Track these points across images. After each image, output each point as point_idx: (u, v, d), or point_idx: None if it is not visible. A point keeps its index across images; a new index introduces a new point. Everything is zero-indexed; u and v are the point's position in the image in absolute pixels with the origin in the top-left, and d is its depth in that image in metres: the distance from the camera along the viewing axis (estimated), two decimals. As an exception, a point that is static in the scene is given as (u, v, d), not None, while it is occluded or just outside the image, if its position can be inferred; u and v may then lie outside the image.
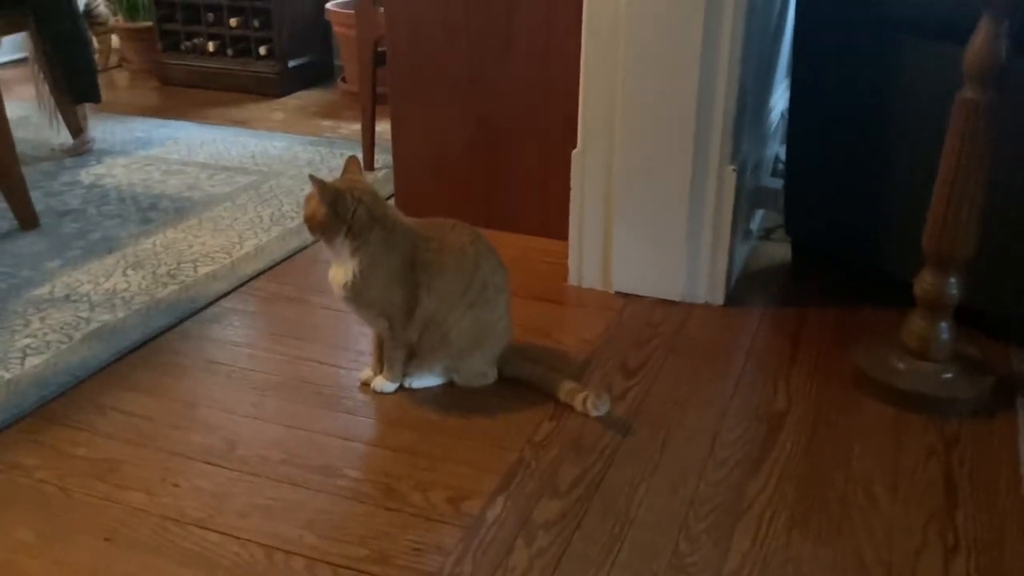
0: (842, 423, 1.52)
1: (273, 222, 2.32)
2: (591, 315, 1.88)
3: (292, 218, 2.35)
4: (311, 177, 1.48)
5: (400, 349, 1.58)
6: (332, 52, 3.82)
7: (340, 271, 1.52)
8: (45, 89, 2.81)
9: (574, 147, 1.92)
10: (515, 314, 1.68)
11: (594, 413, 1.51)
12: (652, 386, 1.62)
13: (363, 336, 1.78)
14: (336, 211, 1.47)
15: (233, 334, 1.80)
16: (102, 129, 3.06)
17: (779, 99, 2.37)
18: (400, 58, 2.26)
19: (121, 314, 1.85)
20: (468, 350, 1.58)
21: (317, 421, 1.52)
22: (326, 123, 3.24)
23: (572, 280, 2.01)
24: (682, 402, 1.58)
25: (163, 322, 1.83)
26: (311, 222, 1.50)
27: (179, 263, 2.09)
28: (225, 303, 1.93)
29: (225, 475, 1.38)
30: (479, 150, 2.25)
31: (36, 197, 2.38)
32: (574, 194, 1.95)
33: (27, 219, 2.28)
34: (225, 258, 2.11)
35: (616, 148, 1.86)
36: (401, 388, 1.61)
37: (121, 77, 3.91)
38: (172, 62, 3.70)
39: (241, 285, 2.00)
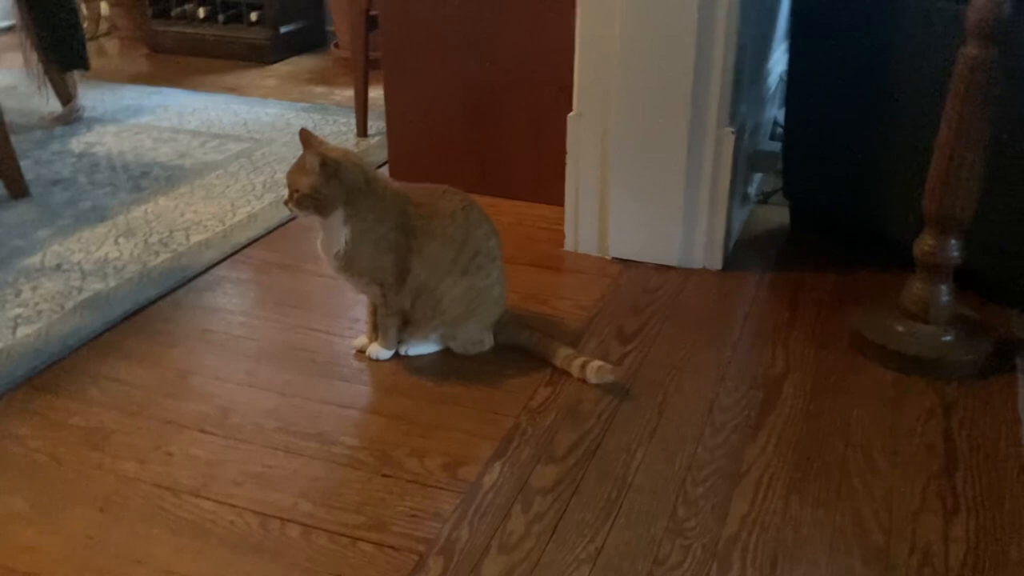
0: (841, 387, 1.51)
1: (266, 189, 2.30)
2: (587, 281, 1.87)
3: (285, 185, 2.32)
4: (309, 152, 1.44)
5: (394, 316, 1.56)
6: (324, 18, 3.77)
7: (331, 240, 1.50)
8: (33, 57, 2.76)
9: (570, 111, 1.90)
10: (511, 281, 1.67)
11: (594, 380, 1.50)
12: (649, 352, 1.61)
13: (357, 303, 1.77)
14: (338, 181, 1.44)
15: (226, 302, 1.78)
16: (92, 97, 3.02)
17: (778, 61, 2.33)
18: (392, 23, 2.22)
19: (113, 283, 1.83)
20: (462, 317, 1.56)
21: (312, 389, 1.51)
22: (319, 89, 3.20)
23: (568, 246, 1.99)
24: (679, 367, 1.57)
25: (155, 291, 1.81)
26: (308, 197, 1.44)
27: (171, 231, 2.06)
28: (218, 271, 1.91)
29: (219, 443, 1.37)
30: (473, 115, 2.22)
31: (26, 166, 2.34)
32: (570, 159, 1.93)
33: (16, 188, 2.26)
34: (218, 226, 2.09)
35: (612, 111, 1.83)
36: (397, 355, 1.60)
37: (110, 44, 3.86)
38: (162, 29, 3.65)
39: (234, 253, 1.97)
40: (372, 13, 2.53)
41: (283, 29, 3.56)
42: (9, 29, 3.71)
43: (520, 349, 1.60)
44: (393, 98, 2.30)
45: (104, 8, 3.95)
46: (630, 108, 1.81)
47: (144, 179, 2.37)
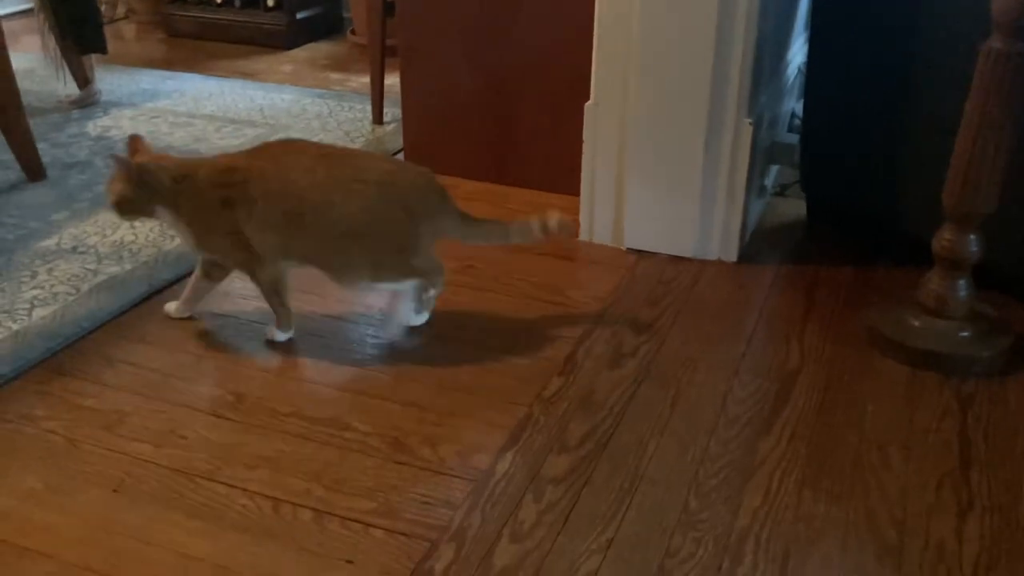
0: (856, 382, 1.51)
1: (281, 175, 2.30)
2: (602, 272, 1.86)
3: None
4: (114, 157, 1.50)
5: (274, 295, 1.58)
6: (341, 3, 3.76)
7: (183, 237, 1.58)
8: (51, 40, 2.77)
9: (587, 100, 1.89)
10: (525, 270, 1.66)
11: (555, 228, 1.54)
12: (663, 343, 1.61)
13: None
14: (146, 186, 1.50)
15: (240, 287, 1.78)
16: (109, 81, 3.03)
17: (797, 53, 2.32)
18: (409, 9, 2.21)
19: (128, 266, 1.84)
20: (359, 253, 1.51)
21: (326, 374, 1.51)
22: (335, 76, 3.20)
23: (583, 236, 1.99)
24: (693, 360, 1.56)
25: (170, 274, 1.81)
26: (123, 205, 1.52)
27: (187, 216, 2.07)
28: (233, 256, 1.91)
29: (233, 427, 1.38)
30: (489, 103, 2.21)
31: (43, 149, 2.35)
32: (586, 148, 1.92)
33: (34, 170, 2.26)
34: (233, 211, 2.09)
35: (630, 101, 1.82)
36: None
37: (128, 29, 3.86)
38: (179, 13, 3.65)
39: (249, 238, 1.98)
40: (389, 0, 2.53)
41: (300, 15, 3.55)
42: (27, 12, 3.72)
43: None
44: (409, 85, 2.29)
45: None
46: (648, 98, 1.80)
47: (160, 163, 2.37)
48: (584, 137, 1.91)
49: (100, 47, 2.76)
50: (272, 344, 1.59)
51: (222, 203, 1.50)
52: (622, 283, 1.81)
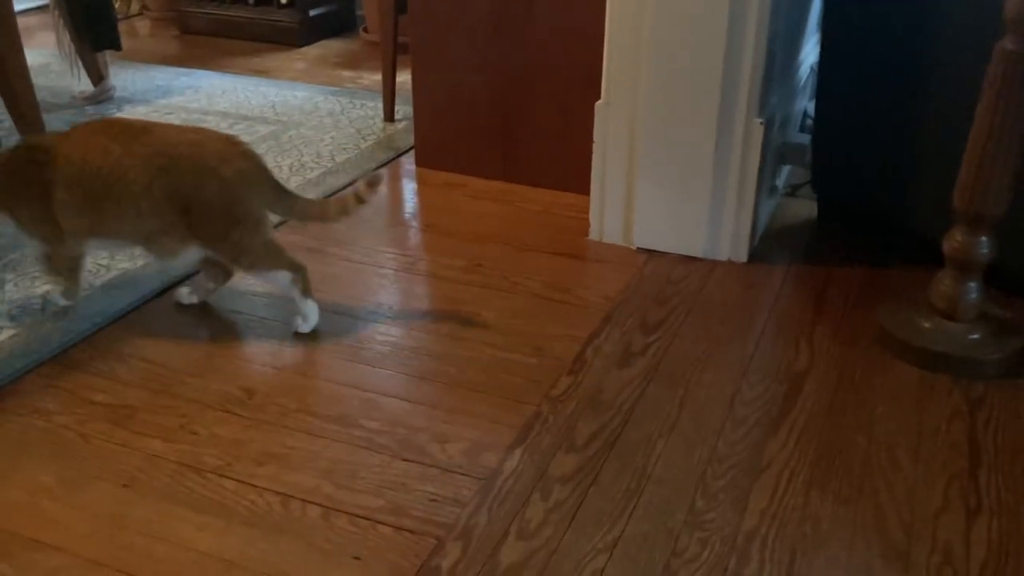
0: (865, 383, 1.50)
1: (292, 172, 2.31)
2: (612, 271, 1.86)
3: (311, 168, 2.33)
4: None
5: (67, 271, 1.63)
6: (354, 1, 3.77)
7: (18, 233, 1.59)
8: (66, 36, 2.79)
9: (597, 99, 1.89)
10: (534, 269, 1.66)
11: (363, 190, 1.57)
12: (672, 343, 1.61)
13: (381, 288, 1.78)
14: None
15: (252, 284, 1.79)
16: (123, 77, 3.04)
17: (809, 52, 2.31)
18: (421, 7, 2.22)
19: (140, 263, 1.85)
20: (178, 226, 1.53)
21: (336, 372, 1.52)
22: (347, 73, 3.21)
23: (593, 235, 1.99)
24: (702, 360, 1.56)
25: (182, 271, 1.82)
26: None
27: (198, 212, 2.08)
28: (244, 253, 1.92)
29: (243, 423, 1.39)
30: (500, 102, 2.22)
31: (57, 144, 2.37)
32: (597, 147, 1.92)
33: (48, 166, 2.28)
34: (244, 208, 2.10)
35: (640, 100, 1.82)
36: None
37: (142, 25, 3.88)
38: (193, 10, 3.66)
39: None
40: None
41: (313, 12, 3.56)
42: (43, 8, 3.74)
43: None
44: (420, 83, 2.30)
45: (134, -12, 3.97)
46: (658, 97, 1.80)
47: (173, 160, 2.38)
48: (595, 136, 1.91)
49: (114, 44, 2.78)
50: (280, 342, 1.60)
51: (33, 198, 1.52)
52: (631, 282, 1.81)
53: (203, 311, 1.70)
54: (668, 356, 1.57)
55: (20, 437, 1.35)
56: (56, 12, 2.76)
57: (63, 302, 1.65)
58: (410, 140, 2.45)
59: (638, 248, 1.93)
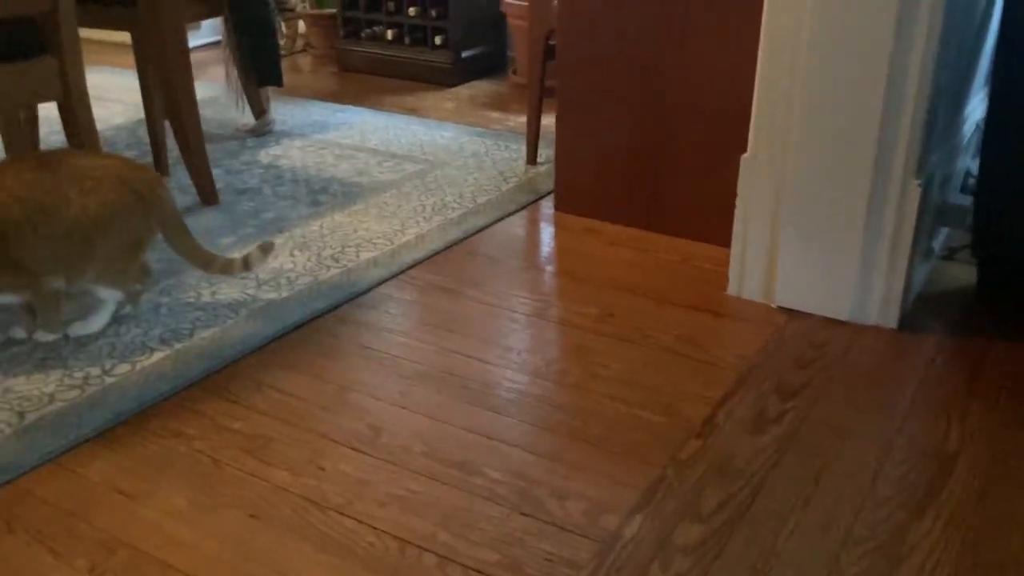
0: (1021, 471, 1.38)
1: (435, 211, 2.35)
2: (749, 329, 1.80)
3: (453, 208, 2.37)
4: None
5: (46, 301, 1.69)
6: (505, 43, 3.84)
7: None
8: (233, 72, 2.96)
9: (743, 150, 1.84)
10: (668, 322, 1.62)
11: (254, 257, 1.81)
12: (811, 411, 1.53)
13: (512, 332, 1.77)
14: None
15: (388, 321, 1.83)
16: (283, 111, 3.20)
17: (975, 109, 2.18)
18: (569, 51, 2.23)
19: (285, 293, 1.92)
20: (96, 248, 1.65)
21: (461, 416, 1.52)
22: (494, 114, 3.26)
23: (732, 290, 1.93)
24: (842, 431, 1.48)
25: (323, 304, 1.88)
26: None
27: (343, 247, 2.14)
28: (383, 289, 1.96)
29: (368, 462, 1.40)
30: (642, 148, 2.19)
31: (218, 174, 2.50)
32: (740, 200, 1.87)
33: (208, 196, 2.41)
34: (387, 245, 2.15)
35: (789, 154, 1.76)
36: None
37: (305, 61, 4.07)
38: (352, 48, 3.82)
39: (400, 273, 2.03)
40: (551, 42, 2.55)
41: (465, 53, 3.65)
42: (215, 44, 3.99)
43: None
44: (564, 127, 2.31)
45: (301, 26, 4.18)
46: (808, 153, 1.73)
47: (323, 194, 2.47)
48: (738, 189, 1.86)
49: (276, 80, 2.92)
50: (410, 382, 1.62)
51: None
52: (770, 343, 1.74)
53: (338, 345, 1.74)
54: (806, 425, 1.49)
55: (160, 459, 1.41)
56: (226, 49, 2.94)
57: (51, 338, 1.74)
58: (551, 184, 2.45)
59: (779, 307, 1.86)
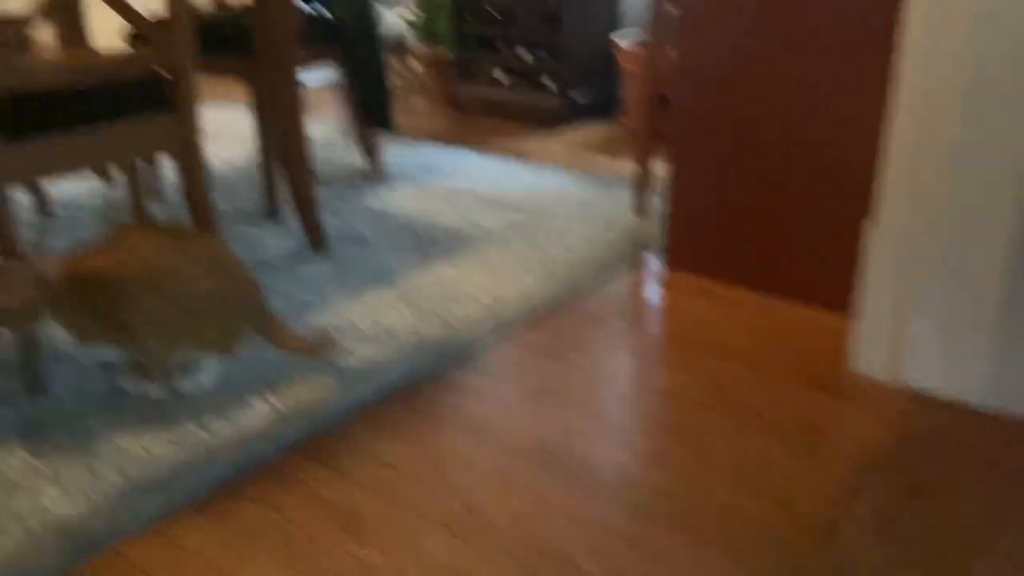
0: None
1: (540, 266, 2.30)
2: (873, 413, 1.67)
3: (558, 262, 2.32)
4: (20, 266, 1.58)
5: (152, 358, 1.70)
6: (616, 86, 3.78)
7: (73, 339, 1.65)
8: (347, 114, 2.99)
9: (868, 210, 1.72)
10: (782, 400, 1.52)
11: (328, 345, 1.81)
12: (942, 513, 1.40)
13: (614, 402, 1.70)
14: (38, 298, 1.58)
15: (490, 387, 1.78)
16: (394, 153, 3.22)
17: None
18: (686, 102, 2.15)
19: (388, 351, 1.89)
20: (195, 329, 1.69)
21: (559, 498, 1.46)
22: (602, 160, 3.20)
23: (853, 366, 1.80)
24: (979, 538, 1.35)
25: (426, 365, 1.85)
26: (10, 318, 1.58)
27: (447, 302, 2.11)
28: (487, 348, 1.92)
29: (461, 548, 1.35)
30: (760, 205, 2.09)
31: (327, 219, 2.52)
32: (864, 269, 1.75)
33: (317, 242, 2.42)
34: (491, 301, 2.11)
35: (920, 223, 1.64)
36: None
37: (419, 102, 4.11)
38: (465, 90, 3.83)
39: (503, 332, 1.98)
40: (664, 93, 2.48)
41: (575, 96, 3.61)
42: (330, 85, 4.07)
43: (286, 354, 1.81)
44: (676, 179, 2.22)
45: (417, 67, 4.23)
46: (941, 222, 1.61)
47: (430, 244, 2.46)
48: (863, 257, 1.75)
49: (387, 124, 2.94)
50: (509, 456, 1.56)
51: (80, 303, 1.62)
52: (896, 430, 1.61)
53: (439, 412, 1.70)
54: (936, 529, 1.37)
55: (255, 530, 1.39)
56: (342, 91, 2.98)
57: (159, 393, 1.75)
58: (660, 238, 2.37)
59: (907, 388, 1.73)
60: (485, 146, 3.36)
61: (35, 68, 1.63)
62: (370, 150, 3.03)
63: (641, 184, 2.60)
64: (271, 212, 2.66)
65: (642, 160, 2.58)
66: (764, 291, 2.12)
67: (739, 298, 2.12)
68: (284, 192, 2.62)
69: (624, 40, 3.45)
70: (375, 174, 3.02)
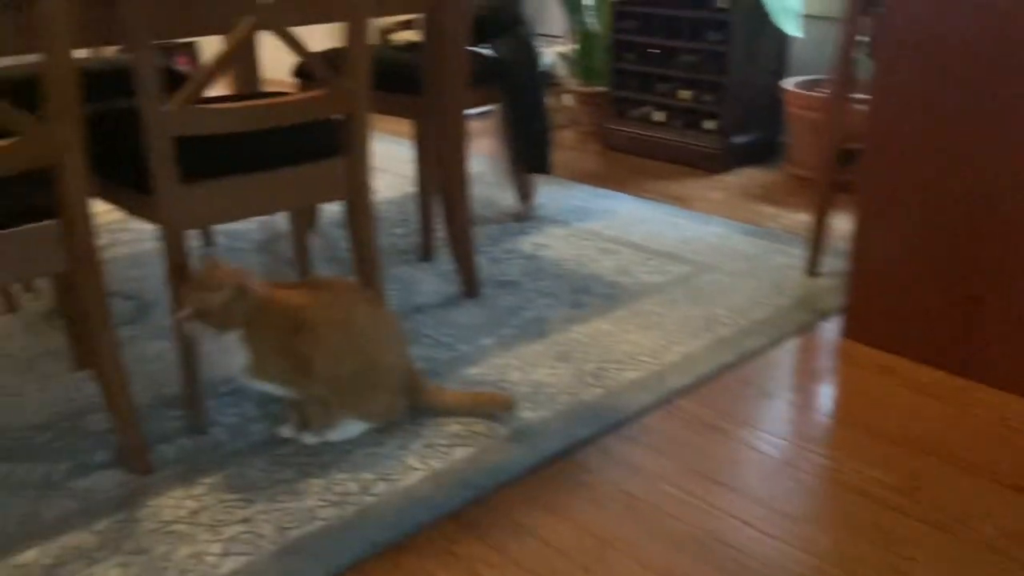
0: None
1: (704, 327, 2.17)
2: (1096, 529, 1.48)
3: (724, 324, 2.18)
4: (220, 273, 1.58)
5: (316, 405, 1.69)
6: (779, 129, 3.61)
7: (231, 358, 1.62)
8: (503, 153, 2.94)
9: (1101, 311, 1.53)
10: (986, 505, 1.35)
11: (504, 412, 1.77)
12: None
13: (790, 494, 1.56)
14: (243, 303, 1.58)
15: (652, 462, 1.67)
16: (545, 193, 3.15)
17: None
18: (877, 157, 1.98)
19: (544, 413, 1.81)
20: (365, 392, 1.70)
21: (737, 602, 1.33)
22: (767, 209, 3.04)
23: (1069, 471, 1.61)
24: None
25: (584, 431, 1.75)
26: (211, 316, 1.56)
27: (604, 361, 2.01)
28: (647, 420, 1.81)
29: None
30: (960, 274, 1.90)
31: (479, 262, 2.46)
32: (1091, 368, 1.55)
33: (470, 287, 2.37)
34: (651, 364, 2.00)
35: None
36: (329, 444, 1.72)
37: (568, 137, 4.04)
38: (618, 128, 3.74)
39: (665, 401, 1.87)
40: (848, 145, 2.31)
41: (736, 139, 3.46)
42: (485, 120, 4.05)
43: (444, 412, 1.80)
44: (864, 238, 2.04)
45: (568, 101, 4.16)
46: None
47: (584, 294, 2.37)
48: (1089, 354, 1.55)
49: (544, 169, 2.86)
50: (675, 546, 1.45)
51: (289, 327, 1.63)
52: None
53: (599, 486, 1.60)
54: None
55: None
56: (498, 129, 2.92)
57: (314, 440, 1.73)
58: (838, 303, 2.21)
59: None
60: (639, 190, 3.25)
61: (218, 112, 1.62)
62: (524, 192, 2.97)
63: (817, 240, 2.43)
64: (425, 252, 2.62)
65: (819, 214, 2.41)
66: (965, 374, 1.92)
67: (931, 380, 1.93)
68: (439, 231, 2.59)
69: (794, 85, 3.29)
70: (527, 215, 2.96)
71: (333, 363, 1.66)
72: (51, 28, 1.36)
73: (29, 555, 1.44)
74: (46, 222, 1.47)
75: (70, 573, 1.40)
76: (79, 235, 1.48)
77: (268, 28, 1.62)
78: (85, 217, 1.48)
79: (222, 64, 1.60)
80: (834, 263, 2.46)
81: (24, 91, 1.50)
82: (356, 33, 1.74)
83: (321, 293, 1.70)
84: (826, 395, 1.92)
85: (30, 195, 1.47)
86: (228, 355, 1.63)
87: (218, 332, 1.60)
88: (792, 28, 3.22)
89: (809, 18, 3.40)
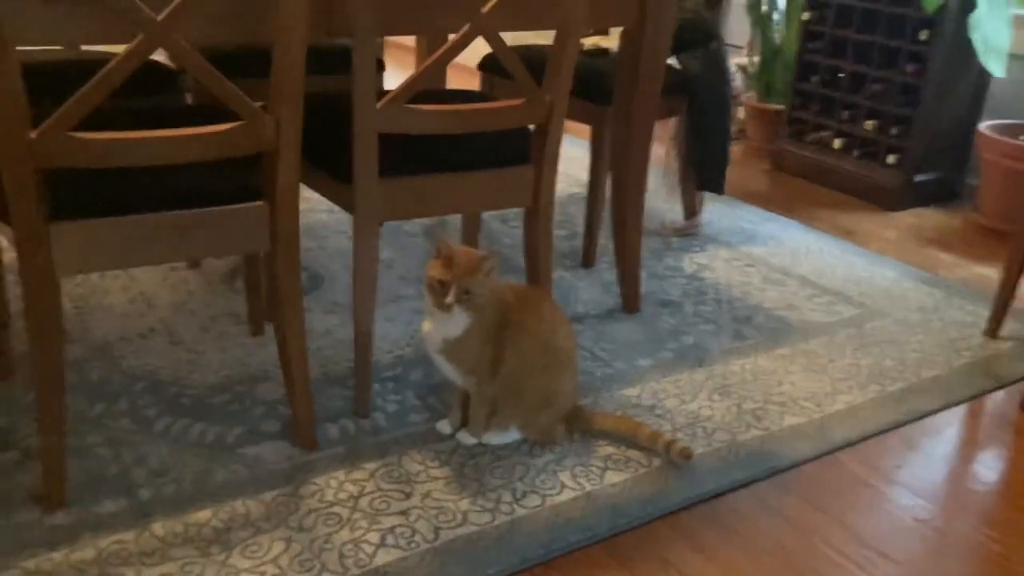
0: None
1: (871, 378, 2.09)
2: None
3: (892, 378, 2.09)
4: (478, 253, 1.61)
5: (485, 406, 1.71)
6: (964, 171, 3.42)
7: (440, 328, 1.64)
8: (675, 164, 2.90)
9: None
10: None
11: (676, 459, 1.70)
12: None
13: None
14: (490, 283, 1.61)
15: (810, 516, 1.62)
16: (710, 211, 3.08)
17: None
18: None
19: (699, 448, 1.78)
20: (538, 408, 1.72)
21: None
22: (944, 256, 2.89)
23: None
24: None
25: (740, 474, 1.72)
26: (474, 297, 1.58)
27: (765, 402, 1.97)
28: (806, 469, 1.76)
29: None
30: None
31: (640, 277, 2.43)
32: None
33: (631, 304, 2.35)
34: (813, 411, 1.94)
35: None
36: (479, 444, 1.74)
37: (736, 151, 3.94)
38: (791, 149, 3.62)
39: (826, 453, 1.81)
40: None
41: (917, 177, 3.30)
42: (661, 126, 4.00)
43: (597, 435, 1.79)
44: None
45: (740, 113, 4.06)
46: None
47: (747, 325, 2.32)
48: None
49: (717, 188, 2.81)
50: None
51: (500, 320, 1.66)
52: None
53: (750, 534, 1.57)
54: None
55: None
56: (673, 140, 2.88)
57: (471, 441, 1.75)
58: (1017, 371, 2.09)
59: None
60: (808, 218, 3.14)
61: (424, 114, 1.66)
62: (692, 209, 2.92)
63: (1004, 300, 2.29)
64: (586, 259, 2.62)
65: (1011, 272, 2.26)
66: None
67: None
68: (603, 240, 2.58)
69: (991, 129, 3.11)
70: (690, 232, 2.91)
71: (520, 372, 1.68)
72: (287, 20, 1.41)
73: (202, 515, 1.52)
74: (257, 203, 1.54)
75: (238, 539, 1.47)
76: (285, 219, 1.55)
77: (483, 33, 1.64)
78: (294, 202, 1.54)
79: (436, 67, 1.63)
80: (1018, 328, 2.32)
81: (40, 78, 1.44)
82: (564, 45, 1.74)
83: (528, 300, 1.73)
84: (998, 472, 1.82)
85: (243, 176, 1.54)
86: (438, 324, 1.65)
87: (462, 311, 1.62)
88: (997, 68, 3.04)
89: (1015, 57, 3.20)
